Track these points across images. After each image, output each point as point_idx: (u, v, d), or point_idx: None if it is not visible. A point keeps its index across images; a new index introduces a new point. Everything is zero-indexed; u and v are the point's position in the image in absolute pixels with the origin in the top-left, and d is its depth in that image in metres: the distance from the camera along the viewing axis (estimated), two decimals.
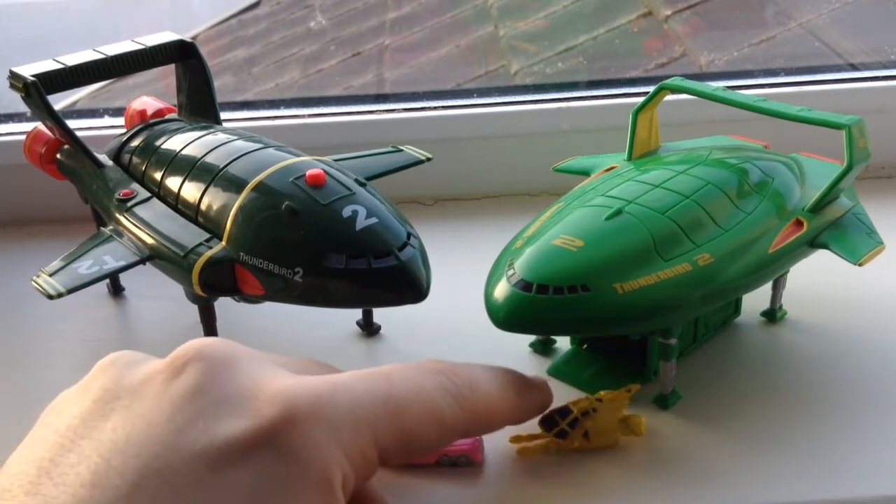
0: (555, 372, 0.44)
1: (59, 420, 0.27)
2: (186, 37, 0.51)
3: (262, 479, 0.25)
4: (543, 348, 0.46)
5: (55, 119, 0.47)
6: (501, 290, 0.38)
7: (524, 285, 0.37)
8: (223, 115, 0.52)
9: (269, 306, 0.42)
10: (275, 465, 0.25)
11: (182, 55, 0.51)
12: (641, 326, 0.39)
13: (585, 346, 0.46)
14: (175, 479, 0.24)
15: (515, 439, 0.39)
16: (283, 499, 0.25)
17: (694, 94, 0.48)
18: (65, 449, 0.26)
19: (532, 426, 0.38)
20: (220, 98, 0.51)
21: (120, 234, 0.43)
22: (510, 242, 0.41)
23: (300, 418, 0.26)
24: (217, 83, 0.51)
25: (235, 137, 0.44)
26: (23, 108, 0.49)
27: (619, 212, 0.39)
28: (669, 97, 0.49)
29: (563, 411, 0.39)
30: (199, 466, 0.25)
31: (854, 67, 0.78)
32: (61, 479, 0.25)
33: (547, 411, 0.38)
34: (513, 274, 0.38)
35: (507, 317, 0.37)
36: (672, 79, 0.48)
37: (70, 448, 0.26)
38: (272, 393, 0.27)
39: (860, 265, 0.41)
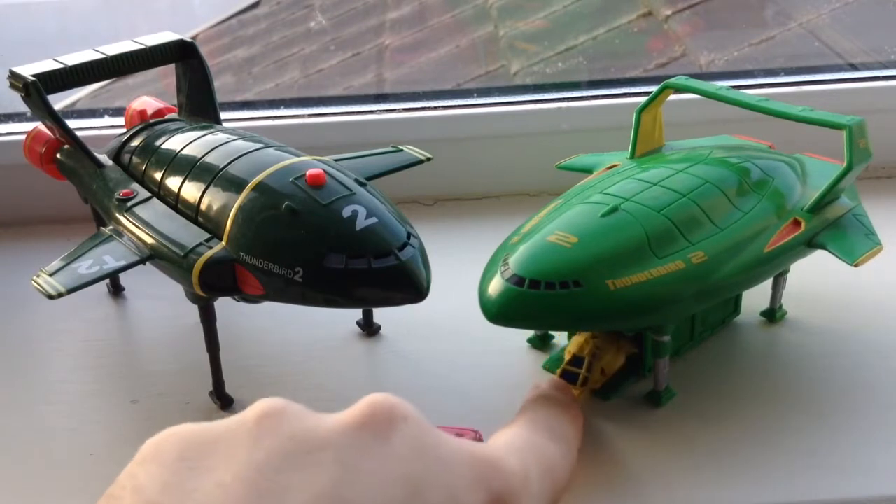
0: (551, 367, 0.44)
1: (215, 473, 0.25)
2: (186, 37, 0.51)
3: None
4: (541, 344, 0.46)
5: (55, 119, 0.47)
6: (495, 285, 0.38)
7: (517, 280, 0.37)
8: (223, 115, 0.52)
9: (269, 306, 0.42)
10: None
11: (182, 55, 0.51)
12: (633, 323, 0.39)
13: None
14: None
15: None
16: None
17: (697, 94, 0.48)
18: (255, 498, 0.24)
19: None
20: (220, 98, 0.51)
21: (120, 234, 0.43)
22: (507, 238, 0.41)
23: (525, 492, 0.28)
24: (217, 83, 0.51)
25: (235, 137, 0.44)
26: (23, 108, 0.49)
27: (615, 209, 0.39)
28: (674, 97, 0.49)
29: (577, 361, 0.41)
30: None
31: (854, 67, 0.78)
32: None
33: (562, 367, 0.41)
34: (507, 269, 0.38)
35: (499, 310, 0.37)
36: (676, 78, 0.48)
37: (262, 497, 0.24)
38: (495, 462, 0.28)
39: (856, 266, 0.41)
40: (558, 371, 0.42)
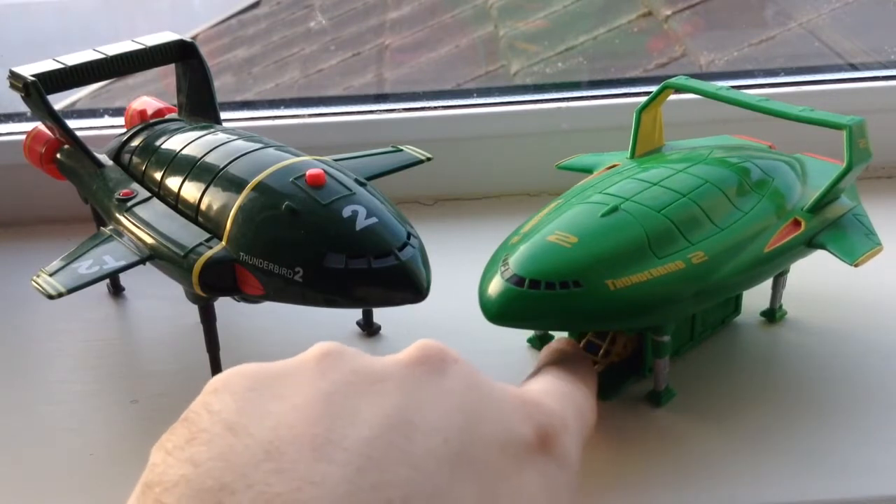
0: None
1: (286, 399, 0.26)
2: (186, 37, 0.51)
3: (547, 484, 0.28)
4: (541, 344, 0.46)
5: (55, 119, 0.47)
6: (495, 285, 0.38)
7: (517, 280, 0.37)
8: (223, 115, 0.52)
9: (269, 306, 0.42)
10: (555, 472, 0.28)
11: (182, 55, 0.51)
12: (633, 323, 0.39)
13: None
14: (485, 469, 0.26)
15: None
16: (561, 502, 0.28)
17: (697, 93, 0.48)
18: (328, 418, 0.25)
19: None
20: (220, 98, 0.51)
21: (120, 234, 0.43)
22: (507, 238, 0.41)
23: (565, 430, 0.30)
24: (217, 83, 0.51)
25: (235, 137, 0.44)
26: (23, 108, 0.49)
27: (615, 209, 0.39)
28: (674, 97, 0.49)
29: (602, 334, 0.42)
30: (503, 462, 0.26)
31: (854, 67, 0.78)
32: (345, 445, 0.24)
33: (587, 338, 0.42)
34: (507, 269, 0.38)
35: (499, 310, 0.37)
36: (676, 77, 0.48)
37: (333, 422, 0.25)
38: (537, 401, 0.30)
39: (856, 266, 0.41)
40: (583, 342, 0.43)
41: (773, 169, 0.45)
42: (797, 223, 0.42)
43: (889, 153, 0.62)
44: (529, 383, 0.34)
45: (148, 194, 0.44)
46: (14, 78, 0.46)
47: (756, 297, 0.48)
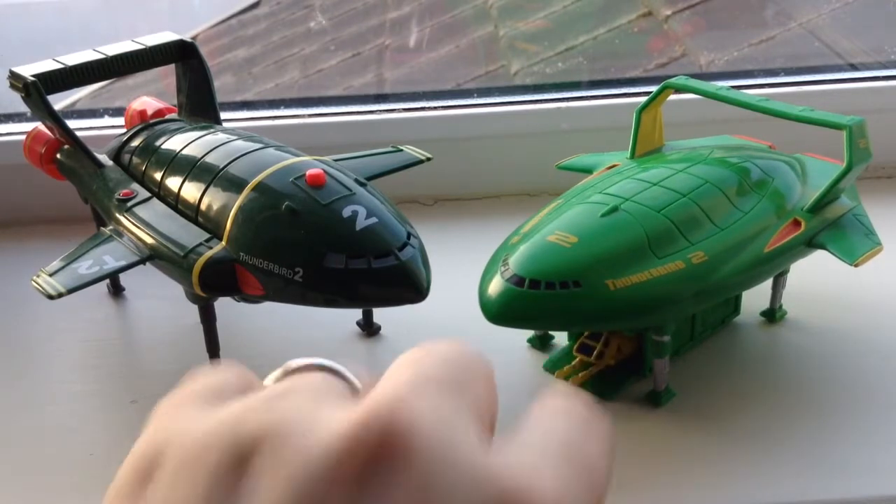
0: (551, 367, 0.44)
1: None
2: (186, 37, 0.51)
3: None
4: (541, 344, 0.46)
5: (55, 119, 0.47)
6: (495, 285, 0.38)
7: (517, 280, 0.37)
8: (223, 115, 0.52)
9: (269, 306, 0.42)
10: None
11: (182, 55, 0.51)
12: (633, 322, 0.39)
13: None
14: None
15: (562, 374, 0.43)
16: None
17: (697, 94, 0.48)
18: None
19: None
20: (220, 98, 0.51)
21: (120, 234, 0.43)
22: (507, 238, 0.42)
23: None
24: (217, 83, 0.51)
25: (235, 137, 0.44)
26: (23, 108, 0.49)
27: (615, 209, 0.39)
28: (674, 97, 0.49)
29: (595, 335, 0.43)
30: None
31: (854, 67, 0.78)
32: None
33: (580, 340, 0.43)
34: (507, 269, 0.38)
35: (499, 310, 0.37)
36: (676, 77, 0.48)
37: None
38: (525, 495, 0.20)
39: (856, 266, 0.41)
40: (576, 345, 0.43)
41: (773, 169, 0.45)
42: (797, 223, 0.42)
43: (889, 153, 0.62)
44: (523, 448, 0.23)
45: (148, 194, 0.44)
46: (14, 78, 0.46)
47: (756, 297, 0.48)
